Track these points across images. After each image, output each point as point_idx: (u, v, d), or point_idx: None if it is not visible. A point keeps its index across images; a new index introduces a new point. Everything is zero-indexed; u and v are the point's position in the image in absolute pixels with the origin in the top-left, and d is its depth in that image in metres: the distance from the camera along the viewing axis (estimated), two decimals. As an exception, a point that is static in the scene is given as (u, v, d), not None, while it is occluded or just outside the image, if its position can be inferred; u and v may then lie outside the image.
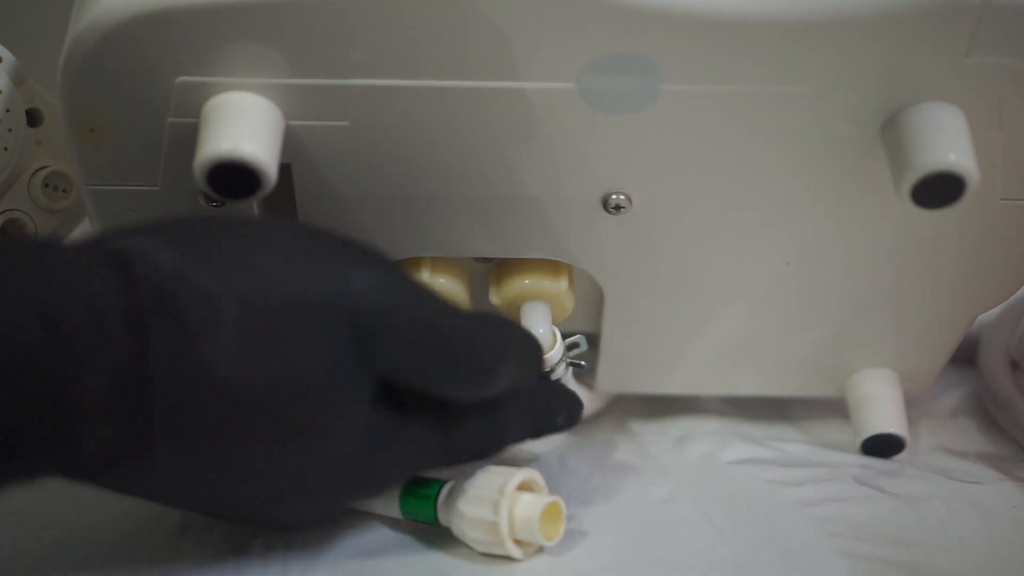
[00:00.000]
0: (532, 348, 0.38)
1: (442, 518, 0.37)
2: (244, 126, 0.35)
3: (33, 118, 0.43)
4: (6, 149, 0.42)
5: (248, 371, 0.31)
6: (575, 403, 0.41)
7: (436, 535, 0.38)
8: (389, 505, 0.38)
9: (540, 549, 0.37)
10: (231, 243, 0.32)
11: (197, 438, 0.31)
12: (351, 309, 0.32)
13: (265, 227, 0.34)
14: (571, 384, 0.43)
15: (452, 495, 0.37)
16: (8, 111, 0.42)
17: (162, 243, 0.31)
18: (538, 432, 0.40)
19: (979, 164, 0.35)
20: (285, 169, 0.38)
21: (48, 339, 0.28)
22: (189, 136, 0.36)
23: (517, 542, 0.36)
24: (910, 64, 0.35)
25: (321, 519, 0.37)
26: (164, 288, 0.30)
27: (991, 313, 0.49)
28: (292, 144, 0.37)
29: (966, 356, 0.50)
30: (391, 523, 0.39)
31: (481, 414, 0.37)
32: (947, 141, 0.35)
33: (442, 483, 0.38)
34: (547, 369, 0.42)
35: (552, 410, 0.40)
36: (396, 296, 0.33)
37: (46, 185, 0.43)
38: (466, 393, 0.35)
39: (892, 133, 0.36)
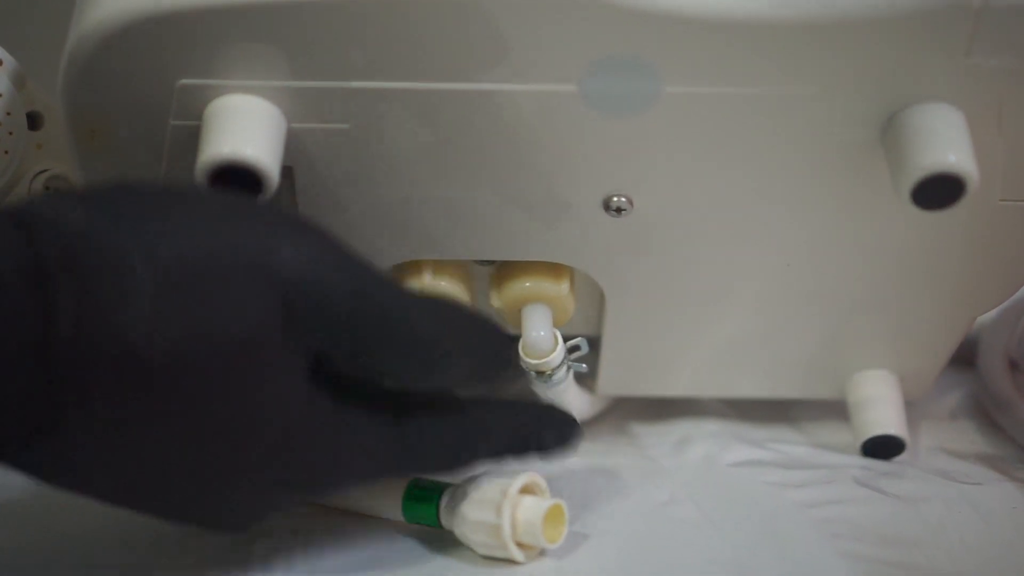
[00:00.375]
0: (489, 335, 0.35)
1: (445, 521, 0.37)
2: (246, 129, 0.35)
3: (34, 121, 0.43)
4: (7, 152, 0.42)
5: (162, 335, 0.29)
6: (568, 423, 0.38)
7: (439, 538, 0.38)
8: (392, 508, 0.38)
9: (542, 552, 0.37)
10: (152, 206, 0.31)
11: (108, 409, 0.29)
12: (277, 278, 0.31)
13: (189, 193, 0.33)
14: (572, 387, 0.43)
15: (455, 498, 0.37)
16: (9, 114, 0.42)
17: (73, 205, 0.29)
18: (523, 450, 0.37)
19: (979, 165, 0.35)
20: (287, 171, 0.38)
21: None
22: (191, 139, 0.36)
23: (520, 545, 0.36)
24: (910, 65, 0.35)
25: (262, 517, 0.34)
26: (72, 249, 0.28)
27: (990, 314, 0.50)
28: (294, 147, 0.37)
29: (965, 357, 0.50)
30: (394, 526, 0.39)
31: (445, 417, 0.35)
32: (947, 142, 0.35)
33: (445, 486, 0.38)
34: (548, 372, 0.42)
35: (540, 428, 0.38)
36: (327, 268, 0.32)
37: (47, 188, 0.43)
38: (403, 378, 0.33)
39: (892, 134, 0.36)
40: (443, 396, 0.36)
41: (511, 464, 0.37)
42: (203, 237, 0.30)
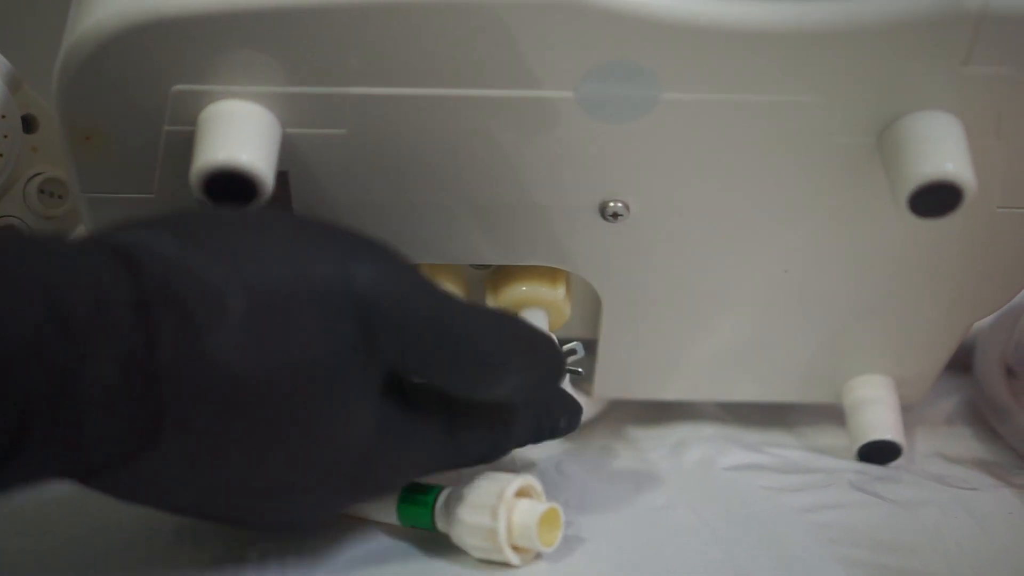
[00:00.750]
0: (548, 351, 0.37)
1: (440, 525, 0.37)
2: (241, 134, 0.35)
3: (29, 124, 0.43)
4: (1, 155, 0.42)
5: (253, 361, 0.31)
6: (576, 407, 0.41)
7: (434, 542, 0.38)
8: (387, 512, 0.38)
9: (538, 555, 0.37)
10: (233, 234, 0.32)
11: (203, 430, 0.31)
12: (355, 298, 0.32)
13: (266, 217, 0.34)
14: (568, 390, 0.43)
15: (450, 501, 0.37)
16: (3, 117, 0.42)
17: (166, 235, 0.31)
18: (540, 436, 0.39)
19: (976, 173, 0.35)
20: (282, 177, 0.38)
21: (55, 332, 0.28)
22: (185, 144, 0.36)
23: (515, 548, 0.36)
24: (908, 73, 0.35)
25: (325, 521, 0.37)
26: (169, 279, 0.30)
27: (986, 320, 0.50)
28: (289, 152, 0.37)
29: (962, 363, 0.50)
30: (389, 530, 0.39)
31: (491, 417, 0.37)
32: (945, 150, 0.35)
33: (440, 489, 0.38)
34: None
35: (555, 414, 0.40)
36: (401, 286, 0.33)
37: (42, 191, 0.43)
38: (473, 390, 0.35)
39: (890, 142, 0.36)
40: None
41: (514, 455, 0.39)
42: (284, 263, 0.32)
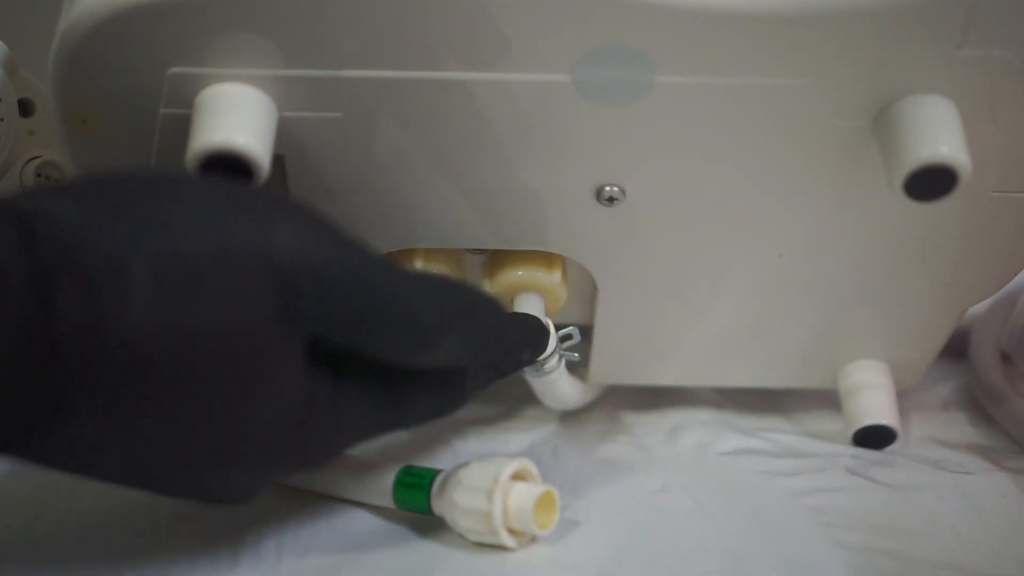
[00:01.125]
0: (490, 315, 0.36)
1: (436, 508, 0.37)
2: (237, 117, 0.35)
3: (26, 108, 0.43)
4: (-2, 139, 0.42)
5: (161, 331, 0.29)
6: (539, 331, 0.39)
7: (430, 525, 0.38)
8: (382, 495, 0.38)
9: (534, 538, 0.37)
10: (143, 199, 0.31)
11: (113, 403, 0.30)
12: (274, 264, 0.31)
13: (181, 182, 0.32)
14: (564, 375, 0.43)
15: (446, 485, 0.37)
16: (0, 101, 0.42)
17: (66, 202, 0.30)
18: (503, 373, 0.38)
19: (971, 156, 0.35)
20: (278, 160, 0.38)
21: None
22: (181, 127, 0.36)
23: (511, 531, 0.36)
24: (903, 56, 0.35)
25: (260, 491, 0.35)
26: (68, 247, 0.29)
27: (981, 306, 0.50)
28: (285, 135, 0.37)
29: (956, 349, 0.50)
30: (384, 513, 0.39)
31: (437, 379, 0.36)
32: (940, 133, 0.35)
33: (435, 473, 0.38)
34: (540, 360, 0.42)
35: (516, 347, 0.39)
36: (324, 250, 0.32)
37: (39, 175, 0.43)
38: (406, 357, 0.34)
39: (885, 125, 0.36)
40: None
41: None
42: (198, 229, 0.30)
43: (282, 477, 0.36)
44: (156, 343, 0.29)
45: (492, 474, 0.36)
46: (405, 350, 0.33)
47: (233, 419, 0.32)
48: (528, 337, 0.39)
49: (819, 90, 0.36)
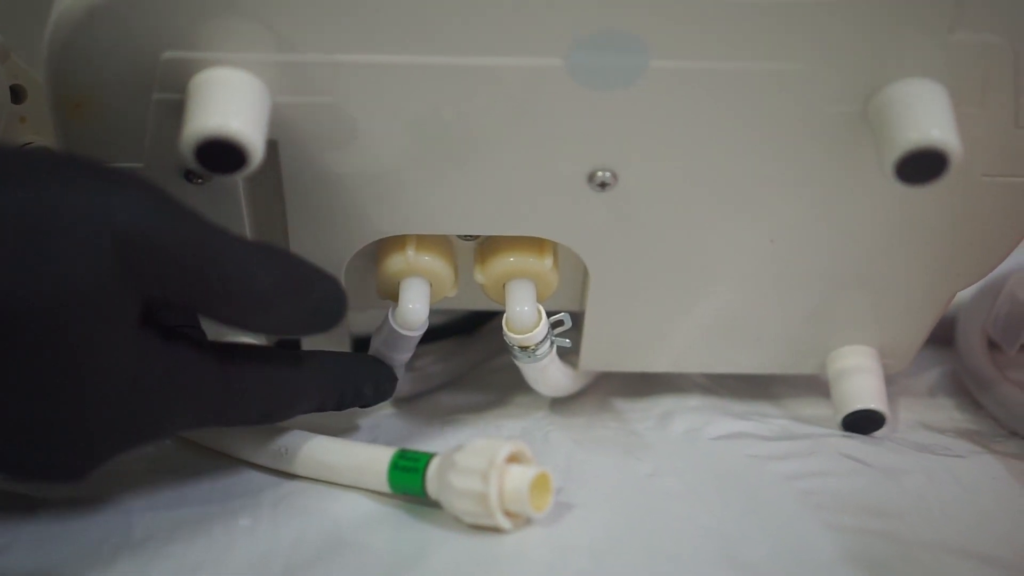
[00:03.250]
0: (323, 286, 0.37)
1: (431, 491, 0.37)
2: (231, 102, 0.35)
3: (16, 95, 0.43)
4: (-11, 126, 0.42)
5: None
6: (386, 375, 0.41)
7: (425, 508, 0.38)
8: (377, 479, 0.38)
9: (529, 520, 0.37)
10: None
11: None
12: (112, 229, 0.31)
13: (22, 153, 0.33)
14: (555, 362, 0.44)
15: (441, 467, 0.37)
16: (-9, 88, 0.42)
17: None
18: (341, 403, 0.40)
19: (961, 140, 0.35)
20: (271, 146, 0.38)
21: None
22: (175, 112, 0.36)
23: (506, 513, 0.37)
24: (894, 41, 0.36)
25: (97, 466, 0.34)
26: None
27: (967, 293, 0.50)
28: (278, 121, 0.37)
29: (943, 336, 0.51)
30: (380, 497, 0.39)
31: (266, 367, 0.37)
32: (930, 117, 0.35)
33: (430, 456, 0.38)
34: (531, 347, 0.42)
35: (359, 380, 0.41)
36: (159, 217, 0.32)
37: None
38: (240, 321, 0.35)
39: (876, 110, 0.36)
40: (267, 348, 0.39)
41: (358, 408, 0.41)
42: (30, 192, 0.31)
43: (118, 451, 0.35)
44: None
45: (488, 456, 0.36)
46: (238, 312, 0.35)
47: (64, 377, 0.32)
48: (375, 372, 0.41)
49: (811, 75, 0.36)
